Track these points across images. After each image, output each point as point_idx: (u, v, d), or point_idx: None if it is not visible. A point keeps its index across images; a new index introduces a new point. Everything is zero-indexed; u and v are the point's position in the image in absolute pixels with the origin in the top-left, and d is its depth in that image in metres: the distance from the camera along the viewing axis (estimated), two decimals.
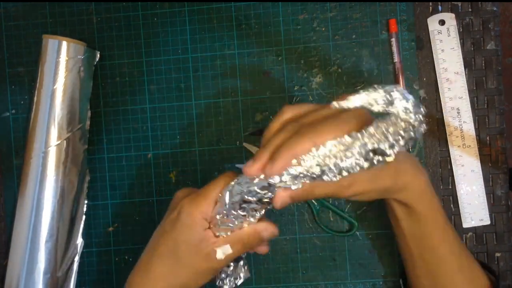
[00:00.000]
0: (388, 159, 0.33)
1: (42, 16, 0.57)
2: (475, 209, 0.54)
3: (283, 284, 0.56)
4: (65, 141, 0.53)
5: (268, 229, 0.42)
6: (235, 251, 0.42)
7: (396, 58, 0.54)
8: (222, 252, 0.42)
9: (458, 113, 0.54)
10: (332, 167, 0.34)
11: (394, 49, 0.54)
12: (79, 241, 0.56)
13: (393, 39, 0.54)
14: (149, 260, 0.44)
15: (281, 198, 0.37)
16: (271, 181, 0.36)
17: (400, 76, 0.54)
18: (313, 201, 0.55)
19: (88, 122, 0.56)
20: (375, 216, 0.55)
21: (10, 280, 0.53)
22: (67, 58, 0.52)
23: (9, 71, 0.58)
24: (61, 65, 0.52)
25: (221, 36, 0.56)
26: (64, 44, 0.52)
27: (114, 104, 0.57)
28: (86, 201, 0.56)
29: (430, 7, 0.54)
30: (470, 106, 0.53)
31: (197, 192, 0.42)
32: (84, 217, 0.56)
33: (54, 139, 0.52)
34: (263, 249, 0.45)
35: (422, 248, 0.44)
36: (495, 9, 0.54)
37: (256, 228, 0.42)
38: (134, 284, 0.44)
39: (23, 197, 0.53)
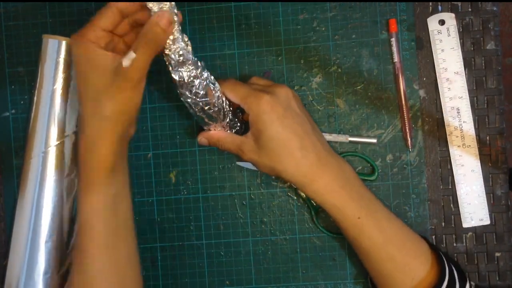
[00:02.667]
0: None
1: (42, 16, 0.57)
2: (475, 209, 0.54)
3: (283, 284, 0.56)
4: (65, 141, 0.53)
5: (163, 15, 0.40)
6: (142, 53, 0.41)
7: (396, 58, 0.54)
8: (128, 59, 0.41)
9: (458, 113, 0.54)
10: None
11: (394, 49, 0.54)
12: None
13: (393, 39, 0.54)
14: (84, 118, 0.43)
15: (201, 138, 0.51)
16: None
17: (400, 76, 0.54)
18: (312, 201, 0.55)
19: None
20: None
21: (10, 280, 0.53)
22: (67, 58, 0.52)
23: (9, 71, 0.58)
24: (61, 65, 0.52)
25: (221, 36, 0.56)
26: (64, 43, 0.52)
27: None
28: None
29: (430, 7, 0.54)
30: (470, 106, 0.54)
31: (85, 27, 0.42)
32: None
33: (54, 139, 0.52)
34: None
35: (348, 238, 0.49)
36: (495, 9, 0.54)
37: (151, 20, 0.40)
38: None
39: (23, 197, 0.53)
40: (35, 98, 0.52)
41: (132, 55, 0.41)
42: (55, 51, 0.52)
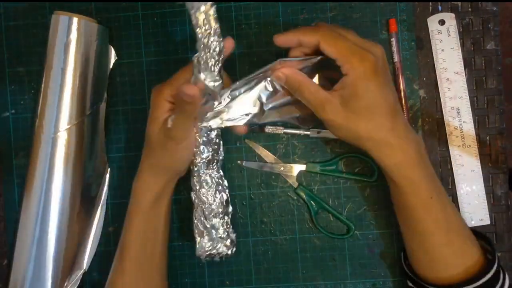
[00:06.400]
0: None
1: (42, 16, 0.57)
2: (475, 209, 0.54)
3: (283, 284, 0.56)
4: (77, 126, 0.51)
5: (188, 88, 0.42)
6: (180, 113, 0.45)
7: (396, 58, 0.54)
8: (171, 120, 0.45)
9: (458, 113, 0.54)
10: None
11: (394, 49, 0.54)
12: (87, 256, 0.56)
13: (393, 39, 0.54)
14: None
15: (278, 72, 0.46)
16: None
17: (400, 76, 0.54)
18: (311, 202, 0.55)
19: (103, 104, 0.55)
20: (375, 216, 0.55)
21: (15, 278, 0.52)
22: (77, 36, 0.51)
23: (9, 71, 0.58)
24: (73, 44, 0.50)
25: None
26: (75, 21, 0.50)
27: (114, 104, 0.57)
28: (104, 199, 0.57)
29: (430, 7, 0.54)
30: (470, 106, 0.54)
31: (166, 81, 0.47)
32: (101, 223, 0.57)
33: (65, 123, 0.51)
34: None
35: (409, 220, 0.47)
36: (495, 9, 0.54)
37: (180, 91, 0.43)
38: (133, 189, 0.50)
39: (30, 189, 0.51)
40: (43, 79, 0.51)
41: (173, 117, 0.45)
42: (66, 28, 0.50)
